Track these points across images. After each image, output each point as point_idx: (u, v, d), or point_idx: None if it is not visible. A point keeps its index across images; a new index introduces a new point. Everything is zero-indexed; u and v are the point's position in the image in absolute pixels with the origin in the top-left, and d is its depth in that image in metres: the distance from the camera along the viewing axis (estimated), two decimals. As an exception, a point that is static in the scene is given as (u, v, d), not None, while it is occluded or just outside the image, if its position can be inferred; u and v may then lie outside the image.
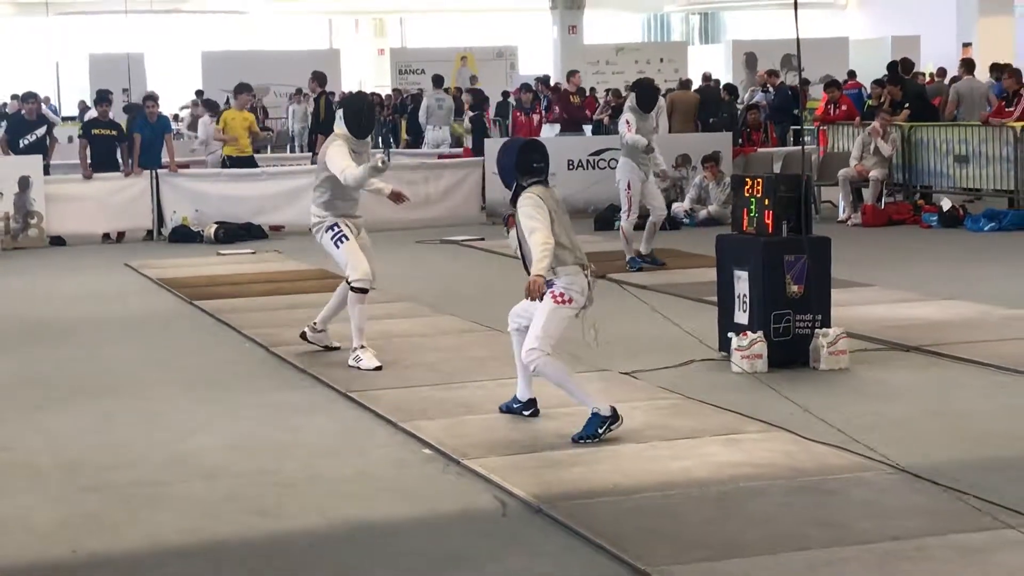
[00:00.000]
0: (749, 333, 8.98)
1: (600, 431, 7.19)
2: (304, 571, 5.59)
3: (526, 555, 5.70)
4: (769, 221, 9.24)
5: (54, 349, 10.76)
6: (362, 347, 9.35)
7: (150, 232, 18.24)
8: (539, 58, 39.63)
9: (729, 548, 5.61)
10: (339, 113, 9.79)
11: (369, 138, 9.98)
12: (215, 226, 17.81)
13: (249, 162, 19.04)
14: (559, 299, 7.39)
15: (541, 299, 7.37)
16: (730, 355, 9.05)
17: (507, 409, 7.92)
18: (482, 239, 17.04)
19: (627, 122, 13.65)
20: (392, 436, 7.71)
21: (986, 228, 16.43)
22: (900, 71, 21.00)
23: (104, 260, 16.34)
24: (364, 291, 9.41)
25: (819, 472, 6.63)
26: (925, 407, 7.98)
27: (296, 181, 18.69)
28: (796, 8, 9.10)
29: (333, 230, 9.51)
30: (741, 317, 9.20)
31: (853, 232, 16.73)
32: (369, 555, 5.77)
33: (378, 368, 9.19)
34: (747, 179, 9.65)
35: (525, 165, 7.58)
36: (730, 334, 9.13)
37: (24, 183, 17.47)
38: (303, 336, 9.97)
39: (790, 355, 9.00)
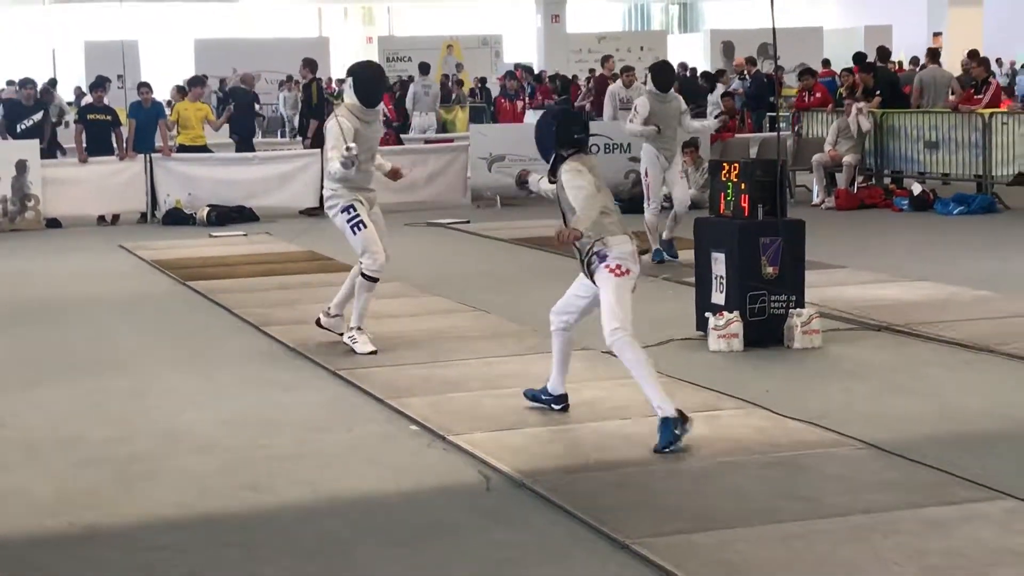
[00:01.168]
0: (725, 313, 9.00)
1: (677, 433, 6.58)
2: (294, 542, 5.59)
3: (509, 528, 5.71)
4: (745, 205, 9.26)
5: (50, 328, 10.74)
6: (359, 329, 9.08)
7: (144, 215, 18.20)
8: (523, 46, 39.61)
9: (706, 521, 5.63)
10: (348, 81, 9.17)
11: (380, 106, 9.42)
12: (207, 209, 17.79)
13: (203, 152, 19.05)
14: (618, 271, 6.84)
15: (569, 244, 6.88)
16: (707, 334, 9.07)
17: (533, 397, 7.49)
18: (467, 222, 17.04)
19: (635, 109, 12.84)
20: (379, 412, 7.71)
21: (955, 212, 16.48)
22: (877, 58, 21.07)
23: (99, 242, 16.31)
24: (375, 280, 9.08)
25: (793, 447, 6.65)
26: (895, 384, 8.00)
27: (286, 165, 18.74)
28: (772, -2, 9.10)
29: (349, 212, 8.99)
30: (718, 297, 9.21)
31: (826, 215, 16.75)
32: (356, 527, 5.78)
33: (372, 353, 8.94)
34: (724, 164, 9.67)
35: (566, 136, 7.06)
36: (707, 314, 9.15)
37: (21, 166, 17.42)
38: (318, 323, 9.47)
39: (765, 334, 9.03)
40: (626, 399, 7.59)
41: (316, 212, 18.34)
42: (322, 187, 18.23)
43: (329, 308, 9.45)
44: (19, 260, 14.93)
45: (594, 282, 6.95)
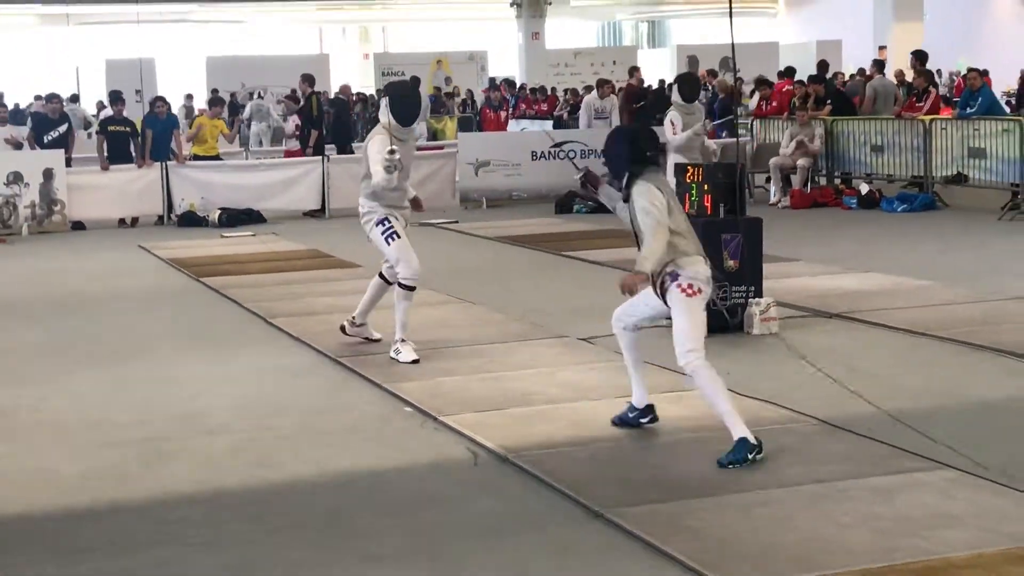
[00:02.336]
0: (691, 303, 8.99)
1: (749, 456, 5.96)
2: (299, 514, 5.60)
3: (495, 498, 5.73)
4: (708, 204, 9.27)
5: (77, 321, 10.72)
6: (403, 341, 8.41)
7: (161, 217, 18.16)
8: (506, 61, 39.59)
9: (673, 491, 5.65)
10: (384, 101, 8.49)
11: (415, 125, 8.74)
12: (219, 211, 17.77)
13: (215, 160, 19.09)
14: (689, 291, 6.15)
15: (630, 295, 6.28)
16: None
17: (621, 421, 6.66)
18: (456, 222, 17.03)
19: (671, 123, 12.13)
20: (377, 396, 7.71)
21: (899, 209, 16.53)
22: (819, 72, 21.21)
23: (120, 242, 16.27)
24: (412, 288, 8.48)
25: (752, 424, 6.61)
26: (845, 366, 8.01)
27: (291, 171, 18.75)
28: (731, 16, 9.10)
29: (384, 225, 8.46)
30: (684, 288, 9.21)
31: (782, 213, 16.77)
32: (357, 499, 5.79)
33: (415, 362, 8.29)
34: (689, 167, 9.68)
35: (638, 154, 6.30)
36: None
37: (48, 174, 17.39)
38: (342, 330, 9.01)
39: (727, 322, 9.03)
40: (597, 381, 7.63)
41: (318, 214, 18.37)
42: (323, 191, 18.34)
43: (354, 318, 9.01)
44: (48, 259, 14.89)
45: (666, 303, 6.26)
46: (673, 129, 12.24)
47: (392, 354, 8.44)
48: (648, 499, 5.53)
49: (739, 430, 6.03)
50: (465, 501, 5.70)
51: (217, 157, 19.10)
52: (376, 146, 8.29)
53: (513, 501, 5.68)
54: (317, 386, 8.05)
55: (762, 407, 6.97)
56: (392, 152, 8.15)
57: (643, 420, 6.62)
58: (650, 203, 6.13)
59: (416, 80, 26.95)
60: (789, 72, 22.12)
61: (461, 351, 8.68)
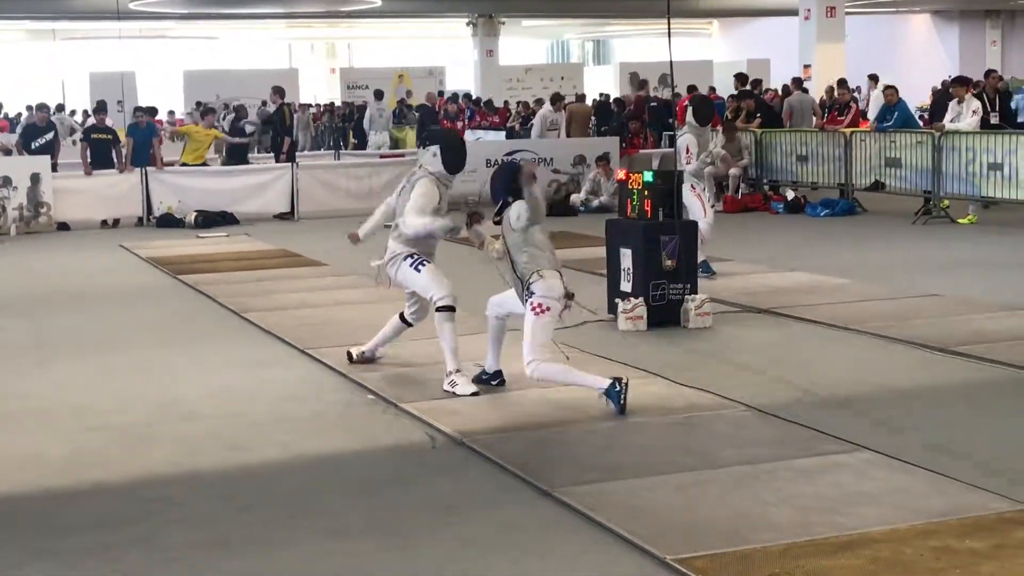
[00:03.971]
0: (632, 299, 9.04)
1: (618, 390, 6.55)
2: (268, 493, 5.57)
3: (451, 480, 5.72)
4: (648, 208, 9.32)
5: (62, 314, 10.61)
6: (458, 371, 7.35)
7: (140, 219, 18.00)
8: (463, 76, 39.60)
9: (616, 472, 5.66)
10: (433, 149, 7.72)
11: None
12: (195, 214, 17.64)
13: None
14: (538, 310, 6.68)
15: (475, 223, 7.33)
16: (617, 317, 9.11)
17: (477, 380, 7.35)
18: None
19: (687, 148, 11.05)
20: (342, 384, 7.69)
21: (822, 214, 16.66)
22: (749, 86, 21.36)
23: (102, 242, 16.12)
24: (451, 309, 7.55)
25: (688, 410, 6.69)
26: (773, 357, 8.07)
27: (262, 177, 18.65)
28: (670, 36, 9.13)
29: (412, 258, 7.70)
30: (625, 286, 9.26)
31: (715, 217, 16.70)
32: (322, 480, 5.76)
33: (475, 394, 7.22)
34: (627, 173, 9.71)
35: (514, 185, 7.04)
36: (617, 300, 9.19)
37: (35, 178, 17.21)
38: (349, 356, 8.16)
39: (665, 317, 9.09)
40: (548, 371, 7.60)
41: (287, 216, 18.27)
42: (292, 195, 18.20)
43: (364, 351, 8.16)
44: (35, 258, 14.73)
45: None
46: (688, 155, 11.18)
47: (447, 387, 7.31)
48: (593, 479, 5.54)
49: (601, 384, 6.59)
50: (423, 482, 5.69)
51: (204, 165, 18.97)
52: (422, 189, 7.59)
53: (468, 482, 5.68)
54: (286, 375, 8.01)
55: (697, 394, 7.01)
56: (454, 230, 7.52)
57: (494, 382, 7.33)
58: (516, 216, 6.88)
59: (379, 93, 26.97)
60: (691, 89, 22.43)
61: (418, 344, 8.63)
